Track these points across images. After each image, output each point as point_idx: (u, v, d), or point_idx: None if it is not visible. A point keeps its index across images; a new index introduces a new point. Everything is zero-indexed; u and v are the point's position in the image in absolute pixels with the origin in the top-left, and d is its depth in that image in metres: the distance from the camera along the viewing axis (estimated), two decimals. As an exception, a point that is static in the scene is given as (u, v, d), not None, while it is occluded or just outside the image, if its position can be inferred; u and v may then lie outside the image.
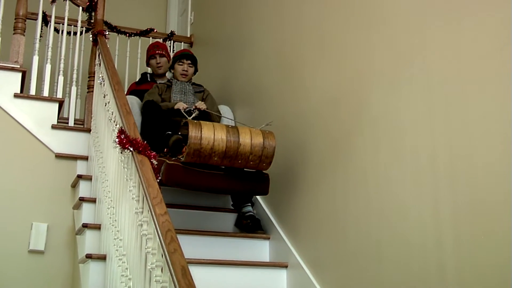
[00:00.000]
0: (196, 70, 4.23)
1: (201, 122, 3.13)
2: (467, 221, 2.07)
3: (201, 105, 3.86)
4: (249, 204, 3.63)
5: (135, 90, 4.46)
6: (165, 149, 3.48)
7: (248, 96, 4.14)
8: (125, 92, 4.66)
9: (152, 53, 4.54)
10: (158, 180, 2.48)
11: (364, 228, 2.64)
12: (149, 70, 4.81)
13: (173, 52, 5.32)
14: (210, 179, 3.22)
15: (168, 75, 4.24)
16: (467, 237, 2.06)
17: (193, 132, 3.05)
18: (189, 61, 4.15)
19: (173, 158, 3.23)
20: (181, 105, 3.83)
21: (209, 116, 3.82)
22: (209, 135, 3.06)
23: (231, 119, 4.05)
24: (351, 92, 2.86)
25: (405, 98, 2.46)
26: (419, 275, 2.26)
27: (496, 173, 1.97)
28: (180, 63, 4.14)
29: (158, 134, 3.70)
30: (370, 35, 2.76)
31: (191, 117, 3.24)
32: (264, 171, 3.31)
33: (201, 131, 3.06)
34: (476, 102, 2.09)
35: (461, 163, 2.12)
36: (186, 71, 4.13)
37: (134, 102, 4.04)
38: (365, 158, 2.69)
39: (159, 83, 4.20)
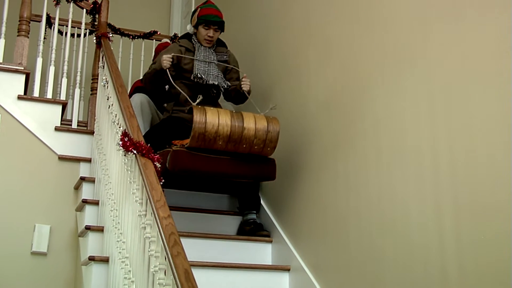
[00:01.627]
0: (222, 31, 3.79)
1: (206, 107, 3.12)
2: (469, 222, 2.07)
3: (246, 87, 3.55)
4: (254, 211, 3.61)
5: (139, 87, 4.41)
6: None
7: (254, 98, 4.13)
8: (129, 90, 4.65)
9: None
10: (161, 183, 2.48)
11: (366, 230, 2.64)
12: None
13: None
14: (216, 163, 3.19)
15: (190, 28, 3.82)
16: (469, 238, 2.06)
17: (197, 117, 3.04)
18: (216, 26, 3.71)
19: (180, 145, 3.21)
20: (167, 63, 3.50)
21: (240, 95, 3.63)
22: (214, 120, 3.06)
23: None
24: (354, 94, 2.86)
25: (407, 99, 2.46)
26: (421, 277, 2.26)
27: (497, 174, 1.97)
28: (206, 27, 3.69)
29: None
30: (374, 37, 2.76)
31: (196, 102, 3.19)
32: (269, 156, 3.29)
33: (205, 115, 3.05)
34: (478, 104, 2.09)
35: (463, 164, 2.12)
36: (212, 37, 3.71)
37: (144, 100, 3.99)
38: (367, 161, 2.69)
39: (178, 45, 3.76)
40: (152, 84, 3.72)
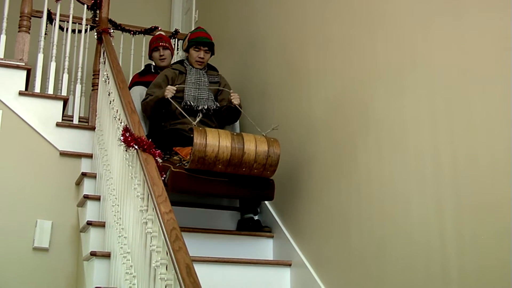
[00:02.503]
0: (212, 54, 4.00)
1: (206, 129, 3.12)
2: (470, 219, 2.07)
3: (236, 100, 3.68)
4: (252, 214, 3.61)
5: (138, 81, 4.39)
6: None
7: (252, 94, 4.14)
8: (128, 84, 4.65)
9: (155, 45, 4.44)
10: (162, 178, 2.48)
11: (367, 226, 2.64)
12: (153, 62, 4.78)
13: (176, 49, 5.32)
14: (214, 186, 3.22)
15: (182, 55, 4.05)
16: (470, 235, 2.06)
17: (198, 139, 3.04)
18: (206, 48, 3.91)
19: (178, 165, 3.22)
20: (169, 93, 3.64)
21: (232, 111, 3.75)
22: (214, 143, 3.06)
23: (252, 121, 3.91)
24: (356, 93, 2.86)
25: (409, 99, 2.46)
26: (422, 273, 2.26)
27: (498, 172, 1.97)
28: (197, 49, 3.89)
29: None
30: (374, 36, 2.76)
31: (196, 121, 3.22)
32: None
33: (206, 138, 3.05)
34: (479, 103, 2.09)
35: (464, 163, 2.12)
36: (202, 58, 3.89)
37: (144, 93, 3.99)
38: (369, 158, 2.69)
39: (171, 69, 3.98)
40: (153, 111, 3.78)
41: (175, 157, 3.42)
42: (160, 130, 3.78)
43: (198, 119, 3.25)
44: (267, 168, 3.18)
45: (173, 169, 3.16)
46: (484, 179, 2.03)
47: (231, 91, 3.76)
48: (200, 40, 3.89)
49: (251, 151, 3.12)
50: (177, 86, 3.72)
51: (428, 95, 2.34)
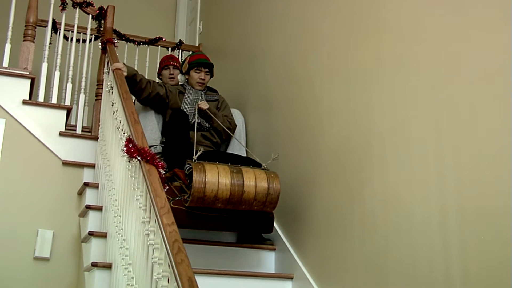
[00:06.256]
0: (211, 76, 4.11)
1: (205, 166, 3.08)
2: (473, 226, 2.06)
3: (203, 104, 3.82)
4: None
5: None
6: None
7: (256, 106, 4.14)
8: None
9: (166, 63, 4.48)
10: (165, 190, 2.47)
11: (370, 239, 2.63)
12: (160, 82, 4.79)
13: (180, 59, 5.33)
14: (214, 222, 3.24)
15: (181, 78, 4.12)
16: (474, 242, 2.05)
17: (197, 177, 3.01)
18: (206, 69, 4.03)
19: (177, 199, 3.21)
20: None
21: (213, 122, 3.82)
22: (213, 180, 3.03)
23: (229, 132, 3.89)
24: (359, 103, 2.85)
25: (413, 109, 2.45)
26: (426, 284, 2.24)
27: (501, 179, 1.97)
28: (198, 71, 4.01)
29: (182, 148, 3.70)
30: (378, 46, 2.76)
31: (196, 155, 3.19)
32: None
33: (205, 177, 3.02)
34: (482, 112, 2.09)
35: (468, 170, 2.12)
36: (203, 79, 4.01)
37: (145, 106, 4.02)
38: (373, 171, 2.67)
39: (172, 85, 4.09)
40: (154, 96, 3.85)
41: (175, 183, 3.36)
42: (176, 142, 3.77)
43: (198, 153, 3.20)
44: (267, 205, 3.17)
45: (172, 205, 3.14)
46: (487, 186, 2.03)
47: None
48: (201, 62, 4.02)
49: (250, 189, 3.10)
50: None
51: (432, 105, 2.34)
